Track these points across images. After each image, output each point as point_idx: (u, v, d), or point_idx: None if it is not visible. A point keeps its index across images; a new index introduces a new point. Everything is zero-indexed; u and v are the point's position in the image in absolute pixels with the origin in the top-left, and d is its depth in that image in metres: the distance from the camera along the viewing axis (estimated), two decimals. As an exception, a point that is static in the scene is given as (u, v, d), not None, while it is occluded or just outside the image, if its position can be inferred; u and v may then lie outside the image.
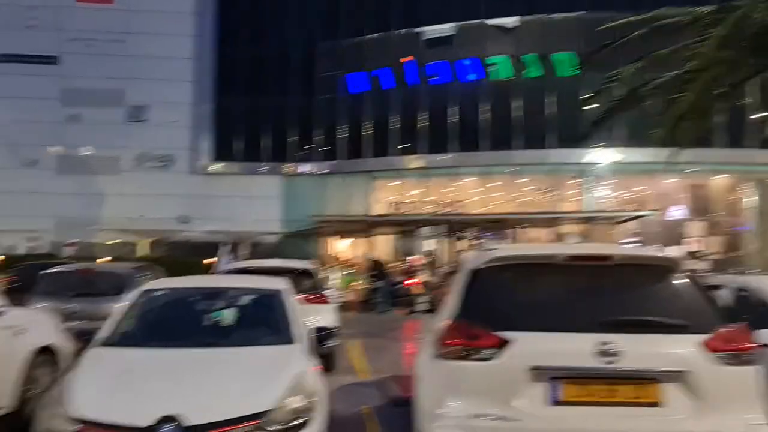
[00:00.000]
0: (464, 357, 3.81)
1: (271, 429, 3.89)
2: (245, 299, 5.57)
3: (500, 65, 27.82)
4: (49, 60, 30.45)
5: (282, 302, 5.45)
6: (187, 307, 5.51)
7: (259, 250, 26.21)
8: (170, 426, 3.69)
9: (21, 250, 27.04)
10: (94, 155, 30.48)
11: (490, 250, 4.43)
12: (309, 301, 7.31)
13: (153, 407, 3.77)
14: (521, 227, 25.74)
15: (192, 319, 5.38)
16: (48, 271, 10.12)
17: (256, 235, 28.13)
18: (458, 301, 4.11)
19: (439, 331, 4.13)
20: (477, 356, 3.79)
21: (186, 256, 23.35)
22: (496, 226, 24.79)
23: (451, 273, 5.89)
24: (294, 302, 5.64)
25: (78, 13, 30.45)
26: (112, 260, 17.15)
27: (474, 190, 28.62)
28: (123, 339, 4.86)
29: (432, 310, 6.00)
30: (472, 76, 28.21)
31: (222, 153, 31.24)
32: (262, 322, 5.37)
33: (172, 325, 5.28)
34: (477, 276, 4.13)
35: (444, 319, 4.18)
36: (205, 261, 20.27)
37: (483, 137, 27.83)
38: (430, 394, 4.06)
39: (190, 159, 31.17)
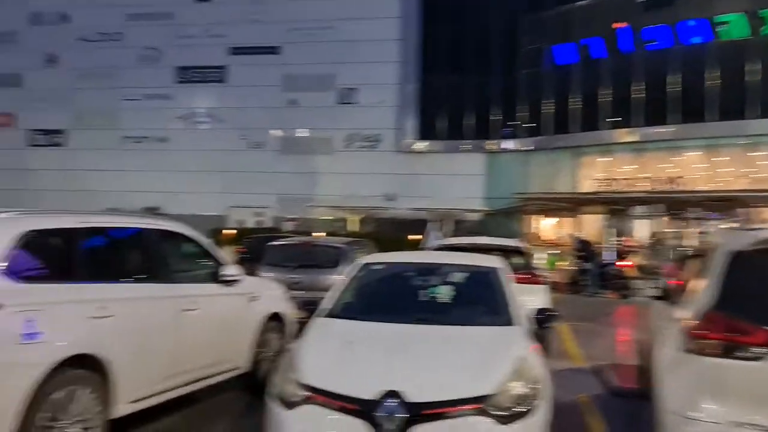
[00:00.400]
0: (725, 354, 3.27)
1: (493, 414, 3.69)
2: (461, 276, 5.43)
3: (732, 23, 24.62)
4: (272, 50, 33.21)
5: (499, 281, 5.22)
6: (404, 282, 5.51)
7: (462, 227, 26.29)
8: (393, 401, 3.65)
9: (249, 224, 30.02)
10: (309, 137, 32.75)
11: (753, 229, 3.75)
12: (521, 280, 6.97)
13: (377, 381, 3.76)
14: (755, 206, 22.67)
15: (409, 294, 5.36)
16: (273, 243, 10.99)
17: (459, 212, 28.25)
18: (713, 288, 3.54)
19: (689, 321, 3.59)
20: (743, 354, 3.22)
21: (393, 232, 24.16)
22: (725, 205, 22.12)
23: (693, 256, 5.18)
24: (511, 281, 5.37)
25: (295, 4, 32.67)
26: (326, 235, 18.27)
27: (697, 165, 25.81)
28: (345, 311, 4.97)
29: (665, 296, 5.32)
30: (697, 39, 25.36)
31: (426, 131, 31.73)
32: (480, 300, 5.19)
33: (391, 299, 5.31)
34: (738, 260, 3.52)
35: (694, 308, 3.63)
36: (411, 237, 20.75)
37: (709, 106, 24.95)
38: (678, 393, 3.56)
39: (396, 138, 32.13)
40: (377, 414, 3.64)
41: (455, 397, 3.71)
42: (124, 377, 4.57)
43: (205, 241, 6.11)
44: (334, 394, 3.77)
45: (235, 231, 26.44)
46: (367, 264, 5.70)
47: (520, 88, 29.92)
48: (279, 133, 33.35)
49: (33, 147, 35.41)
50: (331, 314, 4.91)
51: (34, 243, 4.17)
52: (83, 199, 28.62)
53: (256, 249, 17.69)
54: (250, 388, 6.54)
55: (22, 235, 4.06)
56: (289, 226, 28.57)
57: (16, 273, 3.92)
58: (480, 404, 3.70)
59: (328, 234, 20.45)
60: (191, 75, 34.40)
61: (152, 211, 26.11)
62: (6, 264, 3.87)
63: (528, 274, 8.78)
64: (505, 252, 8.58)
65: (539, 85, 29.44)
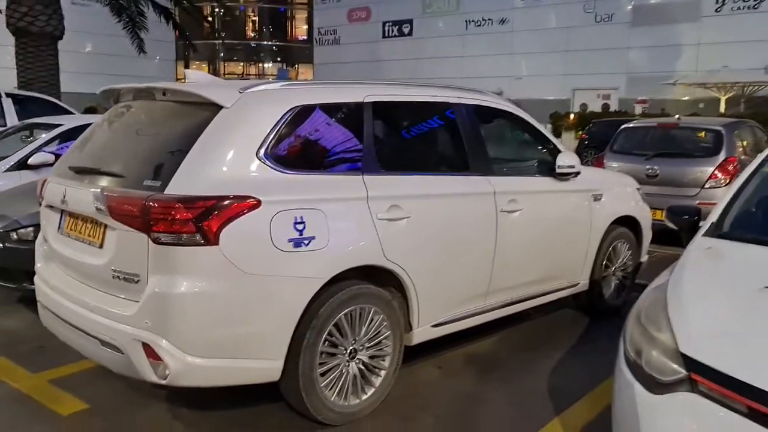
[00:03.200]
0: None
1: None
2: None
3: None
4: None
5: None
6: None
7: None
8: None
9: (593, 108, 27.45)
10: (669, 3, 27.83)
11: None
12: None
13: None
14: None
15: None
16: (627, 125, 8.88)
17: None
18: None
19: None
20: None
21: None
22: None
23: None
24: None
25: None
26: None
27: None
28: (750, 229, 3.10)
29: None
30: None
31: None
32: None
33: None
34: None
35: None
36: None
37: None
38: None
39: (787, -6, 25.25)
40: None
41: None
42: (424, 295, 3.55)
43: (537, 123, 4.64)
44: (739, 384, 2.11)
45: (576, 116, 24.31)
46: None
47: None
48: (631, 2, 29.10)
49: (384, 39, 37.50)
50: (727, 234, 3.07)
51: (307, 122, 3.24)
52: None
53: (601, 135, 15.62)
54: (584, 308, 5.15)
55: (291, 112, 3.14)
56: (638, 108, 25.30)
57: (279, 160, 3.03)
58: None
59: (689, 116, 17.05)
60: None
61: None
62: (266, 148, 3.00)
63: None
64: None
65: None
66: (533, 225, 4.27)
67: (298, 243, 2.96)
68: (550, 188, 4.47)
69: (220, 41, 38.47)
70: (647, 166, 7.78)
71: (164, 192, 2.74)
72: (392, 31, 37.00)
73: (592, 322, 5.06)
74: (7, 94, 9.38)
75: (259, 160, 2.96)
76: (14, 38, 13.47)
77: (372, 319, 3.35)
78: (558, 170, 4.44)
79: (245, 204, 2.82)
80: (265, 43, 41.49)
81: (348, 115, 3.40)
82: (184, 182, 2.77)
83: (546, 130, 4.69)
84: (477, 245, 3.89)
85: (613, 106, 27.81)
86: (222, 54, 39.45)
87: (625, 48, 28.37)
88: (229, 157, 2.90)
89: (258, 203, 2.85)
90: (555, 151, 4.57)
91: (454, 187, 3.80)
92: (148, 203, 2.72)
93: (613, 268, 5.15)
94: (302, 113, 3.19)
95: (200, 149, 2.85)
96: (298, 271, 2.97)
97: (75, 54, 15.72)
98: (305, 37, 40.45)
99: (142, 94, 3.37)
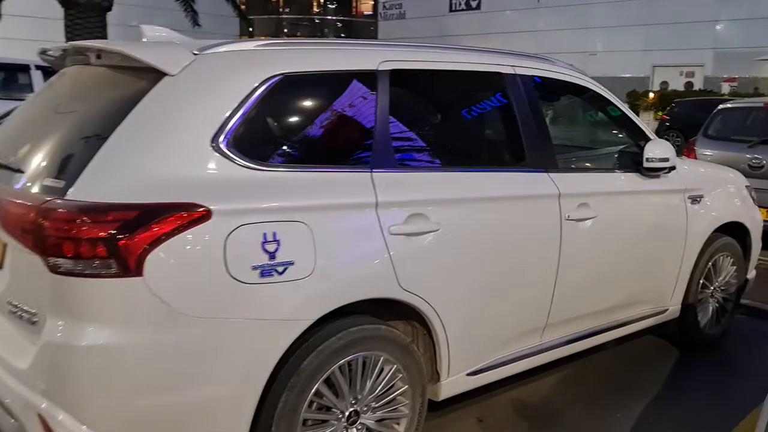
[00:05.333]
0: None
1: None
2: None
3: None
4: None
5: None
6: None
7: None
8: None
9: (674, 86, 25.38)
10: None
11: None
12: None
13: None
14: None
15: None
16: (724, 106, 7.48)
17: None
18: None
19: None
20: None
21: None
22: None
23: None
24: None
25: None
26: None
27: None
28: None
29: None
30: None
31: None
32: None
33: None
34: None
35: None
36: None
37: None
38: None
39: None
40: None
41: None
42: (457, 334, 2.61)
43: (620, 102, 3.55)
44: None
45: (655, 95, 22.43)
46: None
47: None
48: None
49: (452, 12, 36.03)
50: None
51: (292, 97, 2.32)
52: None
53: (684, 117, 14.03)
54: (672, 338, 4.08)
55: (269, 83, 2.21)
56: (725, 87, 23.11)
57: (246, 151, 2.12)
58: None
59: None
60: None
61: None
62: (227, 134, 2.09)
63: None
64: None
65: None
66: (610, 237, 3.23)
67: (267, 271, 2.06)
68: (635, 188, 3.40)
69: (284, 16, 37.96)
70: (751, 156, 6.45)
71: (65, 197, 1.89)
72: (460, 4, 35.62)
73: (683, 356, 3.98)
74: (37, 67, 8.92)
75: (215, 150, 2.06)
76: (63, 10, 13.12)
77: (382, 370, 2.44)
78: (646, 164, 3.36)
79: (186, 216, 1.93)
80: (329, 18, 40.79)
81: (353, 88, 2.45)
82: (95, 183, 1.90)
83: (629, 110, 3.59)
84: (532, 266, 2.89)
85: (697, 85, 25.68)
86: (285, 29, 38.96)
87: (712, 21, 26.08)
88: (167, 147, 2.01)
89: (206, 214, 1.96)
90: (643, 139, 3.49)
91: (502, 188, 2.79)
92: (40, 213, 1.87)
93: (712, 289, 4.04)
94: (285, 85, 2.25)
95: (124, 135, 1.97)
96: (266, 312, 2.07)
97: (123, 27, 15.30)
98: (370, 12, 39.50)
99: (78, 58, 2.51)
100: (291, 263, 2.10)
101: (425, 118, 2.79)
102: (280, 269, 2.08)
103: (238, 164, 2.09)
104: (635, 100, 22.51)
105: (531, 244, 2.86)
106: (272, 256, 2.06)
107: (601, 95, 3.43)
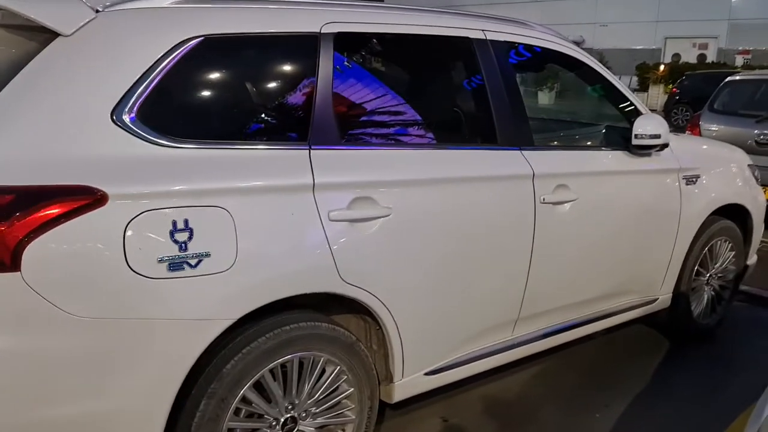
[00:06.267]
0: None
1: None
2: None
3: None
4: None
5: None
6: None
7: None
8: None
9: (687, 59, 24.69)
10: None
11: None
12: None
13: None
14: None
15: None
16: (732, 79, 7.06)
17: None
18: None
19: None
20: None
21: None
22: None
23: None
24: None
25: None
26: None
27: None
28: None
29: None
30: None
31: None
32: None
33: None
34: None
35: None
36: None
37: None
38: None
39: None
40: None
41: None
42: (411, 330, 2.35)
43: (606, 71, 3.21)
44: None
45: (666, 67, 21.81)
46: None
47: None
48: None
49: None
50: None
51: (213, 63, 2.02)
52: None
53: (695, 91, 13.54)
54: (663, 328, 3.81)
55: (185, 46, 1.91)
56: (739, 60, 22.45)
57: (155, 125, 1.83)
58: None
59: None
60: None
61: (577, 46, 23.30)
62: (132, 105, 1.80)
63: None
64: None
65: None
66: (592, 222, 2.93)
67: (177, 264, 1.79)
68: (622, 167, 3.09)
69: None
70: (759, 131, 6.08)
71: None
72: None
73: (674, 348, 3.71)
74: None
75: (117, 125, 1.78)
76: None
77: (323, 372, 2.18)
78: (635, 141, 3.05)
79: (75, 201, 1.66)
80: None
81: (289, 53, 2.15)
82: None
83: (619, 82, 3.26)
84: (501, 254, 2.61)
85: (711, 57, 24.96)
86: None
87: (727, -9, 25.29)
88: (56, 120, 1.72)
89: (101, 198, 1.68)
90: (632, 113, 3.16)
91: (466, 168, 2.49)
92: None
93: (708, 276, 3.75)
94: (205, 49, 1.95)
95: (2, 105, 1.69)
96: (176, 311, 1.81)
97: None
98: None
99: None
100: (206, 255, 1.83)
101: (377, 89, 2.47)
102: (192, 262, 1.81)
103: (145, 141, 1.81)
104: (645, 72, 21.89)
105: (499, 230, 2.57)
106: (183, 246, 1.79)
107: (586, 64, 3.10)
